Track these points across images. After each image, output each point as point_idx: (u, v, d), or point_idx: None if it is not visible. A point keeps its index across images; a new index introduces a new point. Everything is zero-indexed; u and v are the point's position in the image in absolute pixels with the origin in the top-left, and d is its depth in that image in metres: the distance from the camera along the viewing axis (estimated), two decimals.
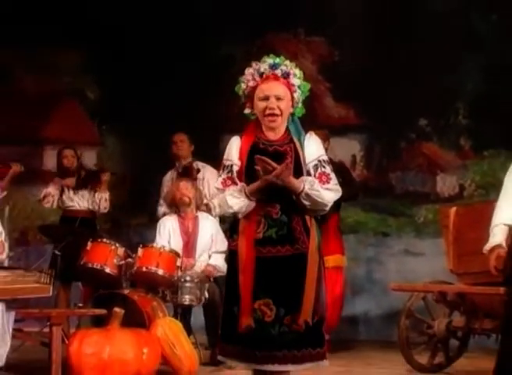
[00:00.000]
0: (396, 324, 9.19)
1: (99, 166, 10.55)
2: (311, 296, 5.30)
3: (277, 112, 5.36)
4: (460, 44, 11.43)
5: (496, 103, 11.01)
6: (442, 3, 11.53)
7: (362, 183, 11.66)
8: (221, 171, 5.48)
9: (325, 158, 5.49)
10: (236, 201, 5.31)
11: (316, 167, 5.40)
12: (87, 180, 10.27)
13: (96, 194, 10.25)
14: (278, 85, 5.39)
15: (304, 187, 5.30)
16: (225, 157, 5.49)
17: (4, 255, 8.49)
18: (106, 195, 10.30)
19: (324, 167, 5.41)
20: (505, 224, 6.76)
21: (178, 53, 12.04)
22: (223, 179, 5.43)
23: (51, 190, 10.36)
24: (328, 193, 5.38)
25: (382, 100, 11.62)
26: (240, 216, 5.37)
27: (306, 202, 5.33)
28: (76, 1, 12.33)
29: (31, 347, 9.01)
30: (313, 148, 5.42)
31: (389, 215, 11.76)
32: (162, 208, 10.43)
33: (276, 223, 5.34)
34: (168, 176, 10.62)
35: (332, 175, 5.46)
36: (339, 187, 5.48)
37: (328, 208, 5.42)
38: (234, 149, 5.45)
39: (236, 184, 5.39)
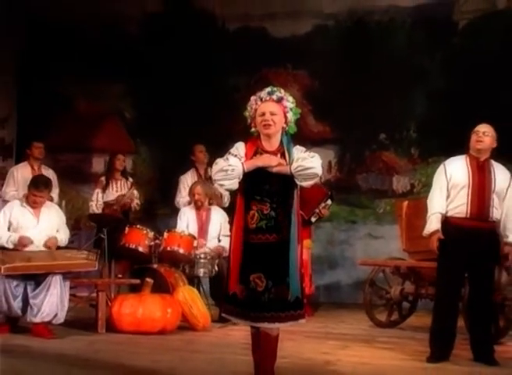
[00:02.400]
0: (361, 291, 9.29)
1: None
2: (297, 272, 5.31)
3: (270, 122, 5.33)
4: (410, 76, 11.37)
5: (437, 122, 10.96)
6: (397, 45, 11.51)
7: (336, 182, 11.65)
8: (226, 155, 5.41)
9: (305, 150, 5.45)
10: (235, 162, 5.26)
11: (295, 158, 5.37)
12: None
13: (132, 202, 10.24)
14: (273, 105, 5.37)
15: (291, 165, 5.28)
16: (231, 150, 5.42)
17: (63, 241, 8.50)
18: (137, 201, 10.27)
19: (300, 154, 5.38)
20: (439, 213, 6.85)
21: (196, 84, 12.00)
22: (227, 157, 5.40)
23: (94, 200, 10.34)
24: (314, 159, 5.32)
25: (351, 119, 11.61)
26: (227, 182, 5.29)
27: (299, 174, 5.27)
28: (119, 48, 12.36)
29: (82, 308, 9.01)
30: (297, 152, 5.38)
31: (357, 207, 11.71)
32: (184, 200, 10.40)
33: (266, 217, 5.31)
34: (189, 176, 10.57)
35: (306, 153, 5.41)
36: (314, 154, 5.40)
37: (318, 171, 5.33)
38: (240, 149, 5.43)
39: None
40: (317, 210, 9.44)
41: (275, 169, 5.31)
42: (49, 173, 10.04)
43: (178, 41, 12.26)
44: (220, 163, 5.30)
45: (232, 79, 11.68)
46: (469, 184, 6.82)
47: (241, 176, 5.28)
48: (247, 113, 5.49)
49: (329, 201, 9.66)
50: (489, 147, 6.90)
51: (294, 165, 5.30)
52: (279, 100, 5.40)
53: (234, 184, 5.31)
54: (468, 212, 6.83)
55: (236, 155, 5.35)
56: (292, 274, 5.29)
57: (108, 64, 12.41)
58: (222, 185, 5.35)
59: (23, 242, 8.11)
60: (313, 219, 9.52)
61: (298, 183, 5.34)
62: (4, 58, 12.59)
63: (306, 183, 5.36)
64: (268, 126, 5.35)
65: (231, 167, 5.25)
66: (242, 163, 5.28)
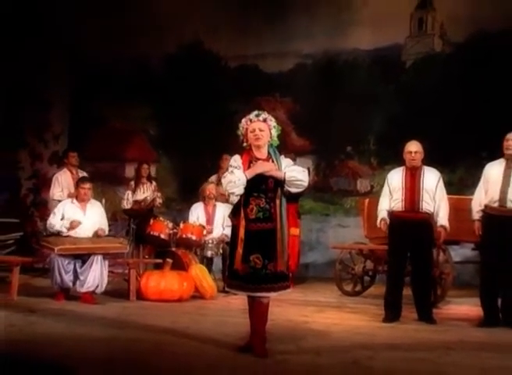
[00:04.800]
0: (333, 268, 9.27)
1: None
2: (282, 253, 5.33)
3: (260, 136, 5.37)
4: (370, 102, 11.38)
5: (390, 137, 10.90)
6: (359, 79, 11.52)
7: (314, 184, 11.61)
8: (230, 168, 5.41)
9: (292, 163, 5.51)
10: (239, 174, 5.28)
11: (289, 169, 5.41)
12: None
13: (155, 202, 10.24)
14: (260, 124, 5.40)
15: (285, 173, 5.32)
16: (232, 163, 5.43)
17: (105, 232, 8.55)
18: (159, 201, 10.26)
19: (293, 166, 5.44)
20: (385, 209, 7.12)
21: (204, 108, 12.02)
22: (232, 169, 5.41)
23: (125, 199, 10.37)
24: (305, 173, 5.39)
25: (325, 135, 11.59)
26: (236, 190, 5.27)
27: (291, 182, 5.33)
28: (146, 81, 12.40)
29: (118, 281, 9.02)
30: (285, 162, 5.44)
31: (329, 203, 11.70)
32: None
33: (263, 209, 5.34)
34: (214, 178, 10.46)
35: (299, 167, 5.50)
36: (305, 169, 5.49)
37: (306, 184, 5.38)
38: (238, 161, 5.42)
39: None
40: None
41: (270, 173, 5.33)
42: (83, 174, 10.12)
43: (191, 75, 12.26)
44: (228, 177, 5.31)
45: (233, 104, 11.63)
46: (402, 187, 7.04)
47: (245, 184, 5.29)
48: (239, 132, 5.50)
49: None
50: (420, 160, 7.13)
51: (288, 174, 5.33)
52: (264, 120, 5.44)
53: (241, 190, 5.31)
54: (403, 206, 7.04)
55: (237, 167, 5.36)
56: (282, 253, 5.33)
57: (138, 93, 12.43)
58: (233, 193, 5.30)
59: (73, 225, 8.15)
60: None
61: (287, 188, 5.35)
62: (62, 90, 12.74)
63: (293, 190, 5.39)
64: (258, 139, 5.39)
65: (237, 178, 5.27)
66: (245, 174, 5.30)
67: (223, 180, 5.37)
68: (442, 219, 7.06)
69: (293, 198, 5.47)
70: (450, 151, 10.08)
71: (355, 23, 11.43)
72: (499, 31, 10.56)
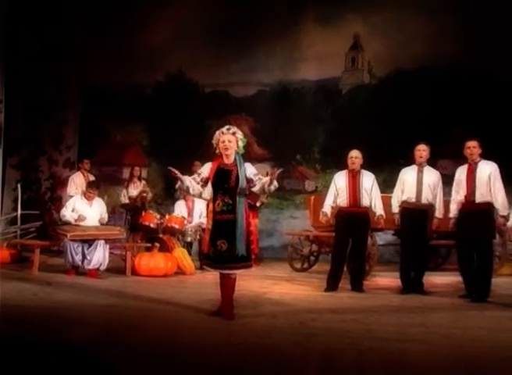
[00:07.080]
0: (286, 250, 9.31)
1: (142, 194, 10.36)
2: (239, 238, 5.30)
3: (228, 147, 5.36)
4: (315, 121, 11.45)
5: (330, 148, 11.07)
6: (306, 102, 11.58)
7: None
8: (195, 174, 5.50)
9: (253, 168, 5.50)
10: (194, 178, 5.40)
11: (255, 175, 5.38)
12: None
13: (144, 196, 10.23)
14: (230, 136, 5.39)
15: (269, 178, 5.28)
16: (201, 168, 5.52)
17: (105, 220, 8.54)
18: (150, 194, 10.27)
19: (257, 175, 5.43)
20: (329, 205, 7.07)
21: (185, 124, 11.96)
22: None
23: (122, 195, 10.35)
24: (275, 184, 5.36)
25: (280, 146, 11.58)
26: (191, 190, 5.37)
27: (257, 189, 5.36)
28: (139, 103, 12.30)
29: (117, 261, 8.96)
30: (251, 169, 5.42)
31: (283, 199, 11.69)
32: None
33: (226, 203, 5.34)
34: None
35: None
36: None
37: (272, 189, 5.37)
38: (207, 167, 5.46)
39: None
40: (260, 199, 9.56)
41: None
42: (91, 177, 10.24)
43: (175, 98, 12.22)
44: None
45: (207, 121, 11.58)
46: (347, 187, 7.06)
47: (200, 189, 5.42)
48: (213, 142, 5.50)
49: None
50: (359, 165, 7.16)
51: (255, 189, 5.36)
52: (233, 133, 5.43)
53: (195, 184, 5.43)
54: (348, 202, 7.07)
55: (200, 173, 5.43)
56: (240, 239, 5.30)
57: (134, 112, 12.34)
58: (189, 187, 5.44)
59: (80, 218, 8.21)
60: (258, 204, 9.63)
61: (255, 188, 5.36)
62: (74, 110, 12.67)
63: (255, 189, 5.41)
64: (226, 149, 5.39)
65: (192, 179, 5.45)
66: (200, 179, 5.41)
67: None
68: (380, 210, 7.14)
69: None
70: (375, 159, 10.15)
71: (303, 59, 11.55)
72: (410, 69, 10.92)
